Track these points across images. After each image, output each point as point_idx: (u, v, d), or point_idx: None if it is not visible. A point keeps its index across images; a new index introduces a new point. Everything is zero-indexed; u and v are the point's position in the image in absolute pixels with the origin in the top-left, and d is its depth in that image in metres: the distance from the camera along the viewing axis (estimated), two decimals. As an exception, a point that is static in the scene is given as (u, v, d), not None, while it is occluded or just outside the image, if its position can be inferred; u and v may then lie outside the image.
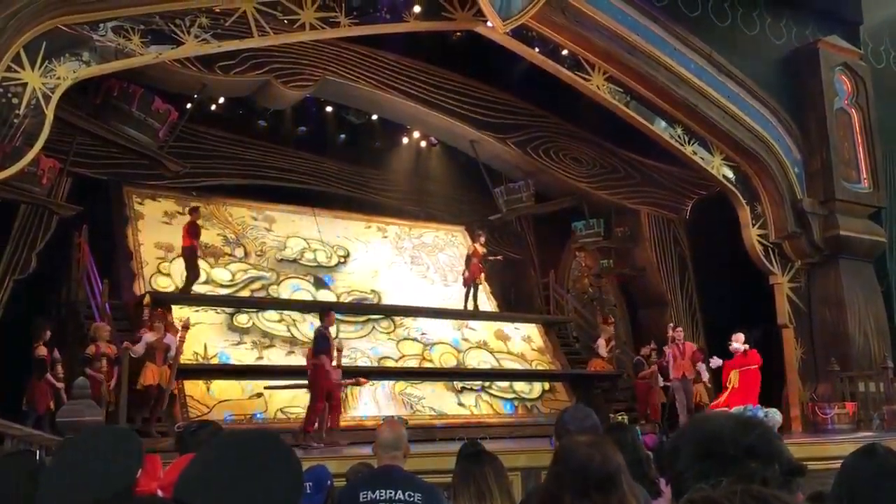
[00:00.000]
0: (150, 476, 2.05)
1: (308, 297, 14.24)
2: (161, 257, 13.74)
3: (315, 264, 15.31)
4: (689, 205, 15.97)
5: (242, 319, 12.96)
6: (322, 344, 10.22)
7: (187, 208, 13.36)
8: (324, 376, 10.03)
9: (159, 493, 2.13)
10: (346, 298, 14.87)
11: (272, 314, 13.30)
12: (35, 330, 10.96)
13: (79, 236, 12.70)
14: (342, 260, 15.77)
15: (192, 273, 12.59)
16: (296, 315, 13.37)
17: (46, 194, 11.93)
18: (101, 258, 12.95)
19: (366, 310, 14.55)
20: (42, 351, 10.47)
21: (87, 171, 13.42)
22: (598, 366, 14.53)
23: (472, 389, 14.00)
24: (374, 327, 14.30)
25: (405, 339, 14.36)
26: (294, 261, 15.07)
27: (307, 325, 12.95)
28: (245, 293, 13.82)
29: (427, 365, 14.04)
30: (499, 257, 15.60)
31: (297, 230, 15.62)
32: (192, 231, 12.55)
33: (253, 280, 14.19)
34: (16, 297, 12.19)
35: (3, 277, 12.21)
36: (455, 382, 13.99)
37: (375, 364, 13.47)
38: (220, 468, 1.31)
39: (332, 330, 10.85)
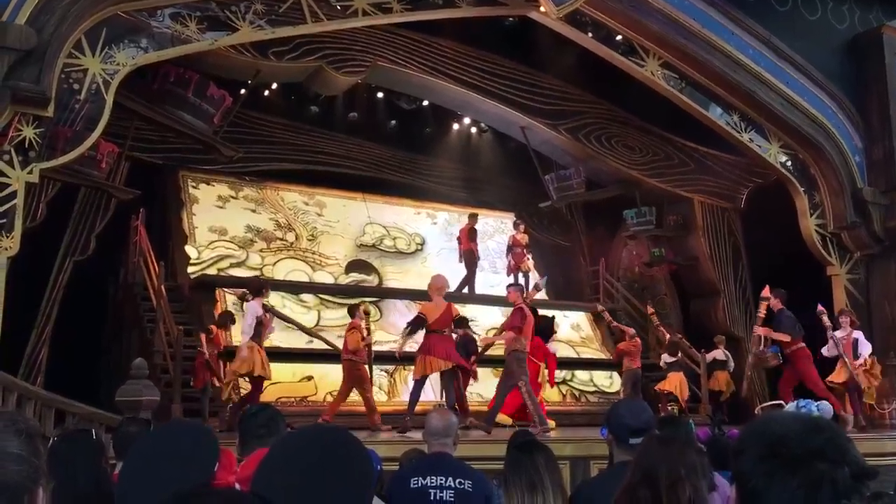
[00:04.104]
0: (226, 469, 2.10)
1: (305, 279, 14.07)
2: (214, 240, 13.97)
3: (394, 250, 15.61)
4: (745, 193, 15.63)
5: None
6: (789, 324, 10.54)
7: (466, 214, 14.84)
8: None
9: (237, 486, 2.17)
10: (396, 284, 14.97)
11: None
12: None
13: (136, 219, 12.98)
14: (419, 247, 16.03)
15: (471, 272, 14.03)
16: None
17: (105, 178, 12.20)
18: (157, 241, 13.22)
19: (409, 296, 14.60)
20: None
21: (144, 155, 13.71)
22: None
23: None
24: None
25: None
26: (373, 246, 15.30)
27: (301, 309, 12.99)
28: (212, 271, 13.37)
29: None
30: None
31: (357, 215, 15.80)
32: (471, 235, 14.10)
33: (221, 258, 13.87)
34: (75, 278, 12.54)
35: (63, 259, 12.57)
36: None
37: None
38: (298, 464, 1.33)
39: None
